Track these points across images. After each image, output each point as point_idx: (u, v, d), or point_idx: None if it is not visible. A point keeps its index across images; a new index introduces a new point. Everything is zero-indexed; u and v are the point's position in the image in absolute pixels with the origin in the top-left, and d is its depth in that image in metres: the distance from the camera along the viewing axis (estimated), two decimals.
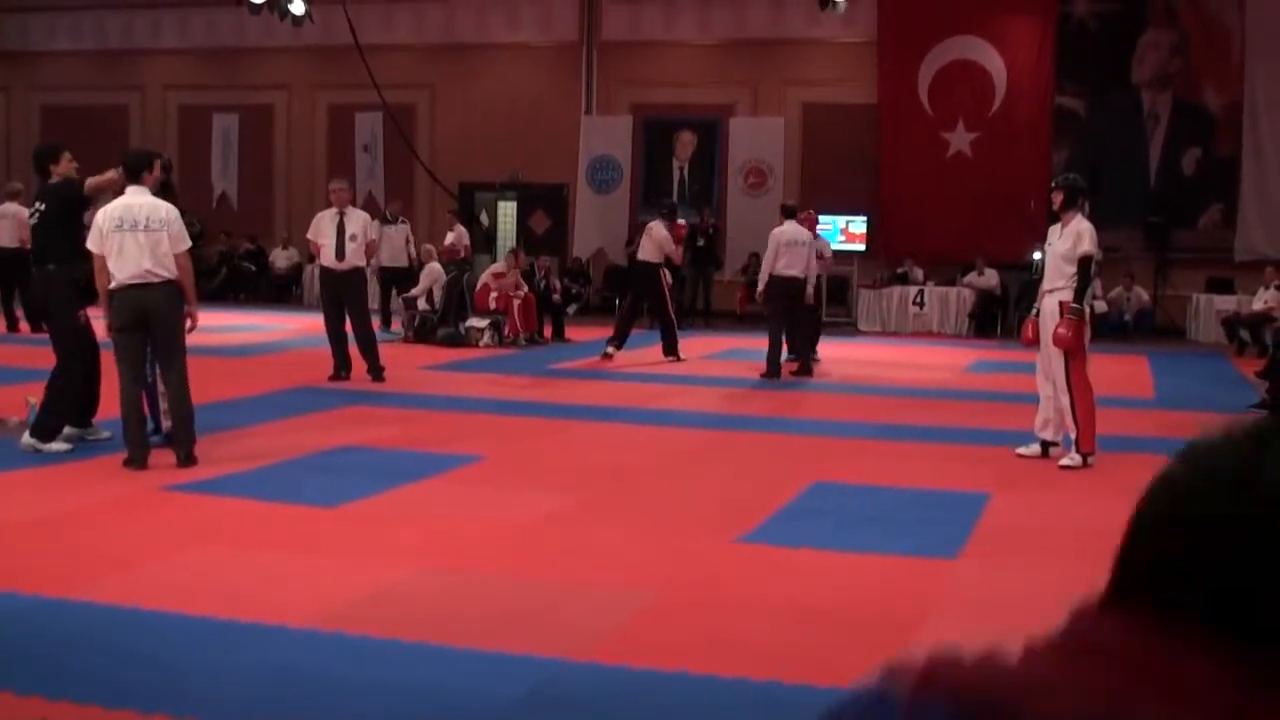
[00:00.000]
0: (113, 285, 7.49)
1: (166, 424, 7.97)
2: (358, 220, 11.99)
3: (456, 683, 4.14)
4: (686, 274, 19.23)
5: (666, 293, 14.59)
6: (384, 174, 24.20)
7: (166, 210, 7.56)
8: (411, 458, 8.11)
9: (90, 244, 7.60)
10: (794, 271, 13.14)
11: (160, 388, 7.97)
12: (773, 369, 12.99)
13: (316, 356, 12.44)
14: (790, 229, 13.34)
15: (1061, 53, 20.51)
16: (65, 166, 8.19)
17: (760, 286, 13.45)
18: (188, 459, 7.58)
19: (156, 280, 7.47)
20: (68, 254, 8.02)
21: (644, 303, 14.73)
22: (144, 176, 7.67)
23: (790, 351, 13.56)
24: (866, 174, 21.36)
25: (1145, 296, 19.45)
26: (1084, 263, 8.23)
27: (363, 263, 12.02)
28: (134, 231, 7.43)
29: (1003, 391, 12.25)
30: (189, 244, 7.66)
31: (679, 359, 14.34)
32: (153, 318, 7.50)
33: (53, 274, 8.04)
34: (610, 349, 14.26)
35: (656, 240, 14.48)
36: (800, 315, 13.47)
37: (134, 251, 7.42)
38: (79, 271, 7.97)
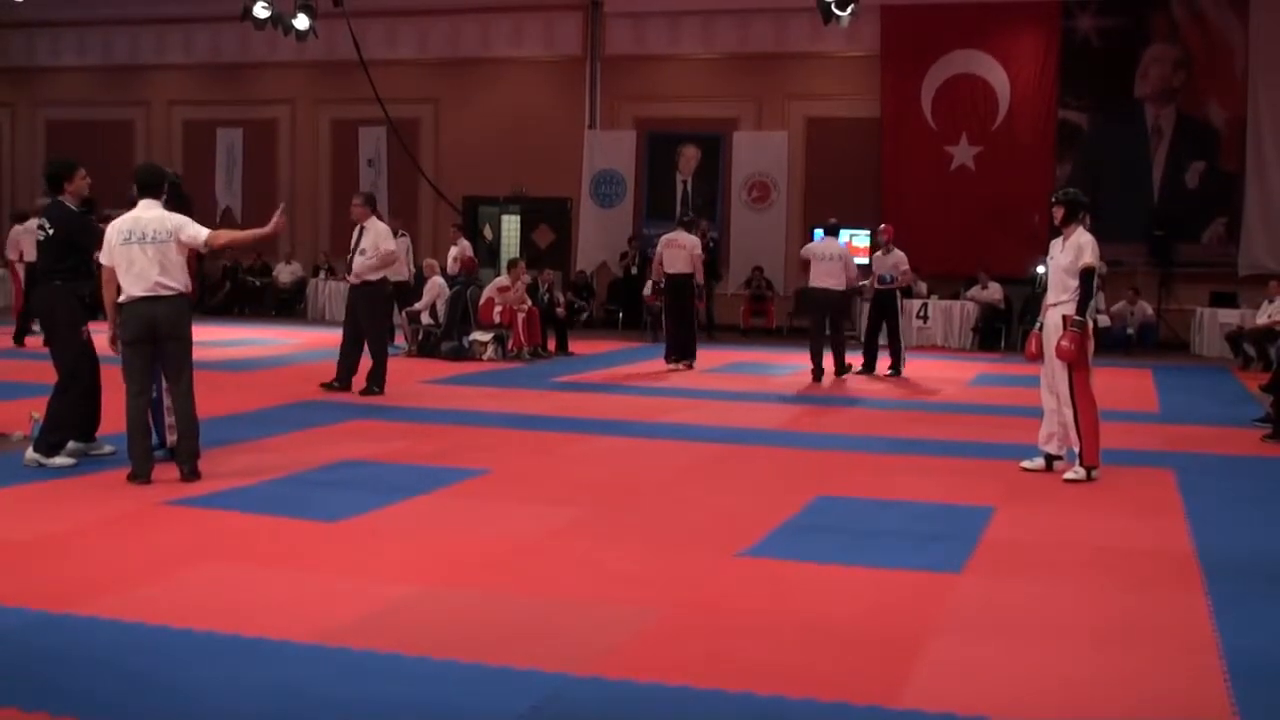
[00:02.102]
0: (122, 298, 7.51)
1: (170, 438, 7.97)
2: (370, 234, 12.01)
3: (460, 699, 4.13)
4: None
5: (695, 305, 15.25)
6: (388, 188, 24.23)
7: (171, 219, 7.58)
8: (415, 472, 8.10)
9: (101, 257, 7.64)
10: (826, 284, 14.17)
11: (166, 403, 7.98)
12: (817, 373, 14.18)
13: (320, 371, 12.45)
14: (819, 244, 14.45)
15: (1065, 67, 20.56)
16: (79, 184, 8.15)
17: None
18: (192, 474, 7.58)
19: (166, 293, 7.48)
20: (72, 271, 8.03)
21: (683, 313, 15.08)
22: (157, 191, 7.71)
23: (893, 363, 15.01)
24: (870, 188, 21.39)
25: (1149, 310, 19.43)
26: (1086, 275, 8.24)
27: (373, 276, 11.96)
28: (141, 245, 7.45)
29: (1007, 405, 12.24)
30: (207, 231, 7.65)
31: (688, 368, 14.81)
32: (161, 330, 7.51)
33: (57, 290, 8.05)
34: (676, 365, 14.91)
35: (690, 250, 14.90)
36: (840, 323, 14.52)
37: (143, 264, 7.44)
38: (83, 289, 7.99)
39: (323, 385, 11.98)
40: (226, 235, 8.01)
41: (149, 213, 7.60)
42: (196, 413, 7.70)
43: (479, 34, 23.62)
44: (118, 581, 5.42)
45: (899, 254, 15.20)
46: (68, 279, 8.01)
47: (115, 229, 7.57)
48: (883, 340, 15.14)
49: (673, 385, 13.53)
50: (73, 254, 8.05)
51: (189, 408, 7.65)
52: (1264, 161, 19.78)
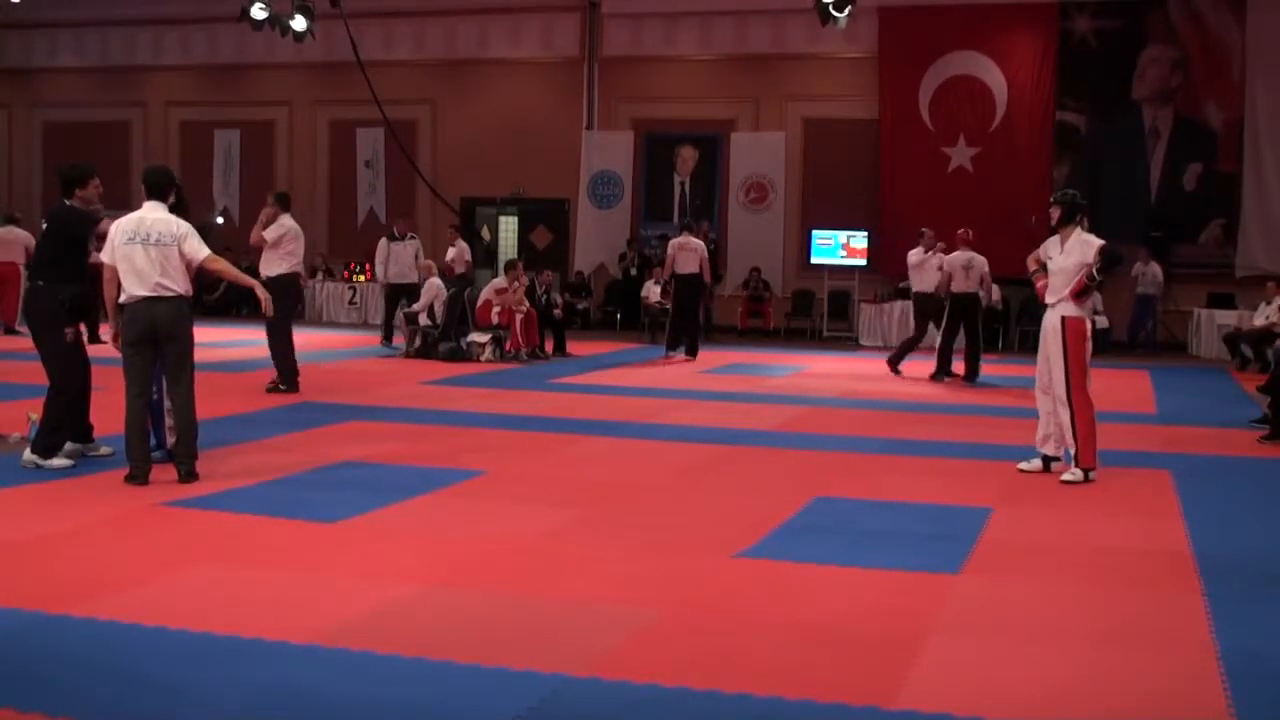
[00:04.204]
0: (123, 299, 7.52)
1: (170, 440, 7.96)
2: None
3: (458, 700, 4.13)
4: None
5: (702, 302, 17.06)
6: (385, 189, 24.27)
7: (178, 225, 7.59)
8: (413, 473, 8.10)
9: (103, 255, 7.65)
10: (924, 288, 15.05)
11: (166, 404, 7.97)
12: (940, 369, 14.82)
13: (317, 372, 12.45)
14: (913, 253, 15.25)
15: (1062, 68, 20.59)
16: (91, 192, 8.13)
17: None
18: (189, 475, 7.57)
19: (167, 295, 7.50)
20: (59, 274, 8.00)
21: (688, 310, 16.67)
22: (164, 193, 7.73)
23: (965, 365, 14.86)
24: (868, 189, 21.42)
25: (1160, 275, 19.30)
26: (1102, 250, 8.27)
27: (275, 271, 11.94)
28: (145, 245, 7.46)
29: (1005, 406, 12.26)
30: (207, 251, 7.69)
31: (692, 359, 16.37)
32: (162, 331, 7.51)
33: (39, 291, 8.02)
34: (678, 353, 16.53)
35: (699, 252, 16.42)
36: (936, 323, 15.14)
37: (145, 265, 7.46)
38: (65, 293, 7.96)
39: (268, 388, 12.00)
40: (222, 264, 7.90)
41: (154, 214, 7.62)
42: (195, 414, 7.70)
43: (476, 35, 23.63)
44: (115, 582, 5.41)
45: (980, 259, 14.96)
46: (51, 281, 7.98)
47: (119, 228, 7.58)
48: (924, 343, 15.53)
49: (671, 386, 13.53)
50: (66, 250, 8.04)
51: (188, 409, 7.64)
52: (1261, 163, 19.81)
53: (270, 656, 4.47)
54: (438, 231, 22.61)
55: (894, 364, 15.26)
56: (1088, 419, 8.25)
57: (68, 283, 7.99)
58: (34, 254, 8.36)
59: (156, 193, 7.72)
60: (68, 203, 8.08)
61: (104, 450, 8.27)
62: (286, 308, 12.01)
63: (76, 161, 8.43)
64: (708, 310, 20.58)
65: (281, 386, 11.86)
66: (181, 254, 7.55)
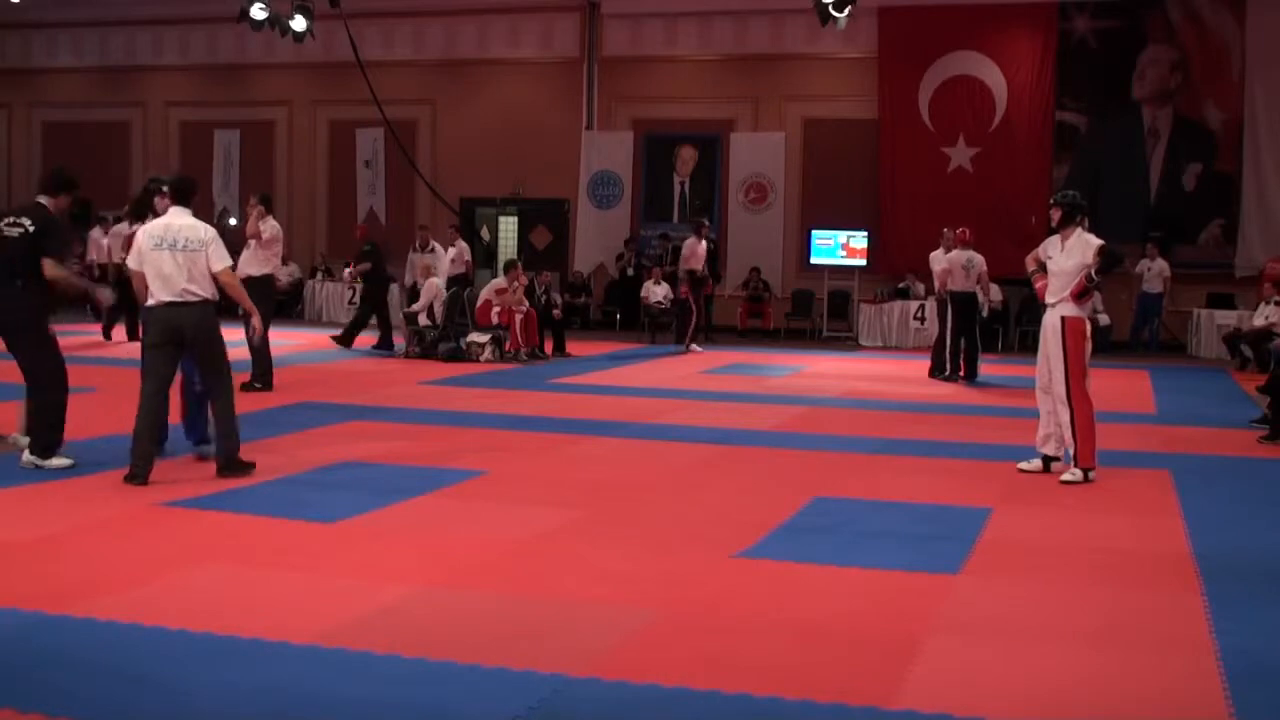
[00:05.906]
0: (150, 302, 7.60)
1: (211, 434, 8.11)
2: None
3: (458, 700, 4.13)
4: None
5: (693, 297, 18.17)
6: (385, 189, 24.26)
7: (205, 231, 7.72)
8: (412, 473, 8.10)
9: (130, 261, 7.74)
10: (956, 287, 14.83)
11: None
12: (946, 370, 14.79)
13: (317, 372, 12.45)
14: (935, 255, 15.28)
15: (1062, 68, 20.60)
16: (62, 202, 8.17)
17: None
18: (229, 467, 7.69)
19: (193, 300, 7.60)
20: (38, 273, 7.95)
21: (685, 302, 18.15)
22: (189, 199, 7.84)
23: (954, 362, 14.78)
24: (867, 189, 21.42)
25: (1168, 270, 19.31)
26: (1101, 250, 8.26)
27: (255, 271, 11.91)
28: (172, 251, 7.58)
29: (1004, 406, 12.26)
30: (229, 261, 7.80)
31: (686, 350, 17.49)
32: (188, 336, 7.63)
33: (21, 290, 7.92)
34: (689, 347, 17.85)
35: (691, 250, 17.94)
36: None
37: (172, 270, 7.56)
38: (47, 292, 7.98)
39: (242, 386, 12.01)
40: (233, 282, 7.98)
41: (181, 220, 7.74)
42: (235, 419, 7.82)
43: (476, 35, 23.63)
44: (115, 582, 5.41)
45: (979, 256, 14.97)
46: (29, 282, 7.90)
47: (146, 234, 7.71)
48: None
49: (671, 386, 13.53)
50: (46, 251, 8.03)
51: (227, 414, 7.78)
52: (1261, 163, 19.82)
53: (270, 656, 4.47)
54: (438, 231, 22.57)
55: (941, 371, 14.81)
56: (1087, 419, 8.26)
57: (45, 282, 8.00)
58: (10, 252, 7.94)
59: (182, 198, 7.88)
60: (44, 205, 8.05)
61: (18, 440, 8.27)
62: (269, 309, 12.10)
63: (70, 172, 8.41)
64: (707, 312, 20.60)
65: (257, 385, 11.90)
66: (210, 257, 7.64)
